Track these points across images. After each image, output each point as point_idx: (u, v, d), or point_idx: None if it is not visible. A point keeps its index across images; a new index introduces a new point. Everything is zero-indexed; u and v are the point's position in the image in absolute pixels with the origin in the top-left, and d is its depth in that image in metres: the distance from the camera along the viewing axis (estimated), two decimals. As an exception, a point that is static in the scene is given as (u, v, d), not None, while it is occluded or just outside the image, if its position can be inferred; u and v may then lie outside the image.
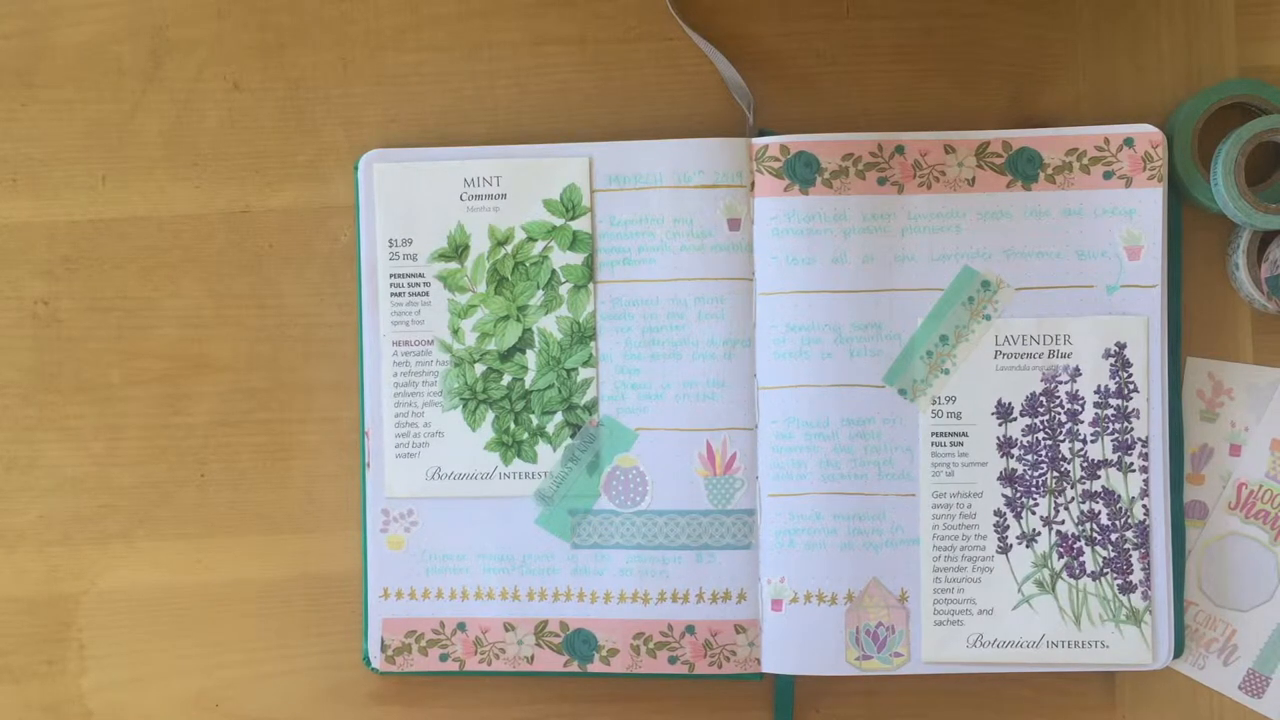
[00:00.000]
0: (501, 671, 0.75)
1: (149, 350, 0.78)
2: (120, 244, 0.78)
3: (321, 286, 0.77)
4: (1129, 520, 0.73)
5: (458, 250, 0.76)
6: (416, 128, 0.77)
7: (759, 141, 0.74)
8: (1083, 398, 0.73)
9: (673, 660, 0.75)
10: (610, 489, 0.75)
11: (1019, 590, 0.73)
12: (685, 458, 0.75)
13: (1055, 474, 0.73)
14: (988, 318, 0.74)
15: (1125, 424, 0.73)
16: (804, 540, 0.74)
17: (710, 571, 0.75)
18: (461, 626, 0.75)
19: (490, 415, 0.76)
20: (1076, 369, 0.73)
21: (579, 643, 0.75)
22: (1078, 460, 0.73)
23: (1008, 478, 0.74)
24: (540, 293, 0.75)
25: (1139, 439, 0.73)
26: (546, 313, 0.75)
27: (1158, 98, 0.76)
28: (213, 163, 0.78)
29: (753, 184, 0.74)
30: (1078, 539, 0.73)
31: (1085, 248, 0.73)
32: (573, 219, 0.75)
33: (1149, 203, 0.73)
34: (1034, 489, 0.73)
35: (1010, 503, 0.74)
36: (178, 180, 0.78)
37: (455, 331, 0.76)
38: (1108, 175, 0.73)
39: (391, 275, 0.76)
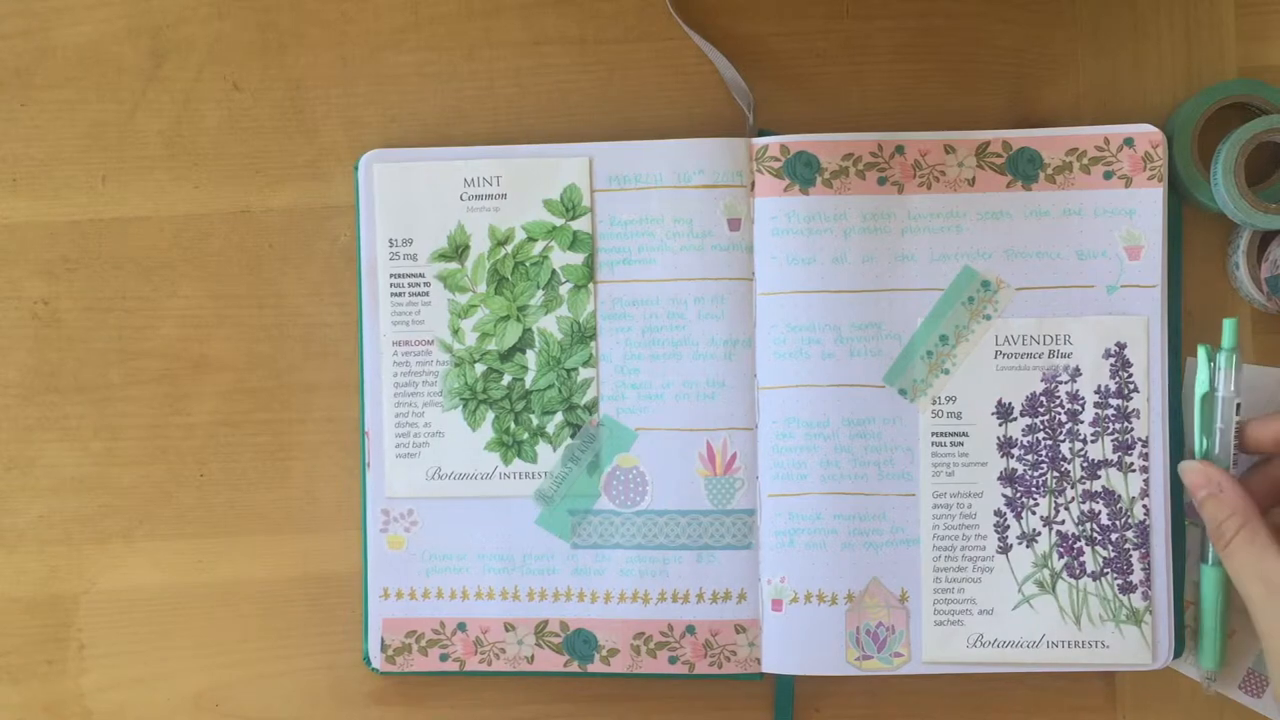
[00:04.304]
0: (501, 671, 0.75)
1: (149, 350, 0.78)
2: (120, 244, 0.78)
3: (321, 286, 0.77)
4: (1129, 520, 0.73)
5: (458, 250, 0.76)
6: (416, 128, 0.77)
7: (759, 141, 0.74)
8: (1083, 398, 0.73)
9: (673, 660, 0.75)
10: (610, 489, 0.75)
11: (1019, 590, 0.73)
12: (685, 458, 0.75)
13: (1055, 474, 0.73)
14: (988, 318, 0.74)
15: (1125, 424, 0.73)
16: (804, 540, 0.74)
17: (710, 571, 0.75)
18: (461, 626, 0.75)
19: (490, 415, 0.75)
20: (1076, 369, 0.73)
21: (579, 643, 0.75)
22: (1078, 460, 0.73)
23: (1008, 478, 0.74)
24: (540, 293, 0.75)
25: (1139, 439, 0.73)
26: (546, 313, 0.75)
27: (1158, 98, 0.76)
28: (213, 163, 0.78)
29: (753, 184, 0.74)
30: (1078, 539, 0.73)
31: (1085, 248, 0.73)
32: (573, 219, 0.75)
33: (1149, 203, 0.73)
34: (1034, 489, 0.73)
35: (1010, 503, 0.73)
36: (178, 180, 0.78)
37: (455, 331, 0.76)
38: (1108, 175, 0.73)
39: (391, 275, 0.76)
